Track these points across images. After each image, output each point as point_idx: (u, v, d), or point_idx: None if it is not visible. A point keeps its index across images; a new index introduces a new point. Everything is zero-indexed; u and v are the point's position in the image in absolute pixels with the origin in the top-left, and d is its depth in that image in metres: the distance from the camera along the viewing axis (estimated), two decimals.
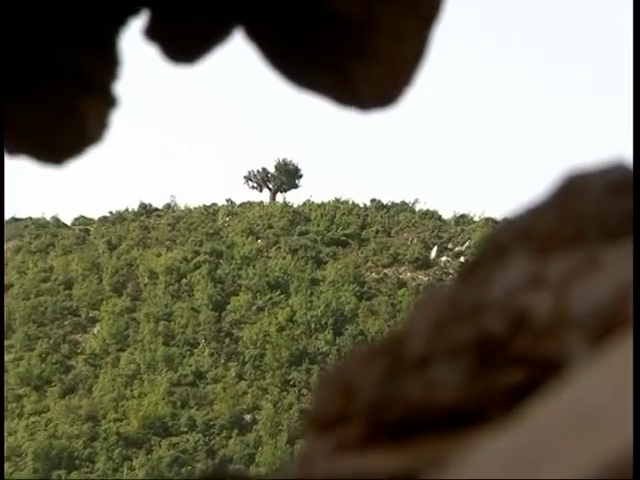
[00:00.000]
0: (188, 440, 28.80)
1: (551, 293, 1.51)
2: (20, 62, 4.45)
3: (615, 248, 1.60)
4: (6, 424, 30.24)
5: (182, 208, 36.16)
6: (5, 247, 35.28)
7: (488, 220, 33.00)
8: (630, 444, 0.70)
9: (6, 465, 30.70)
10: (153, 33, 4.27)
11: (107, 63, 4.47)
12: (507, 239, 1.86)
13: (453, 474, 0.80)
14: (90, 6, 4.37)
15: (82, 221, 36.69)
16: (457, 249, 32.34)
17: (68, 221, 36.89)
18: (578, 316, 1.45)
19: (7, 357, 32.14)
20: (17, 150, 4.43)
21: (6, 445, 29.85)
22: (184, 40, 4.34)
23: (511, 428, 0.82)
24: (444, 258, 32.26)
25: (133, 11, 4.40)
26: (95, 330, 31.55)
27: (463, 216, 34.48)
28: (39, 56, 4.44)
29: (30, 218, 36.78)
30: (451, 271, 30.71)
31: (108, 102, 4.42)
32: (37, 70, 4.46)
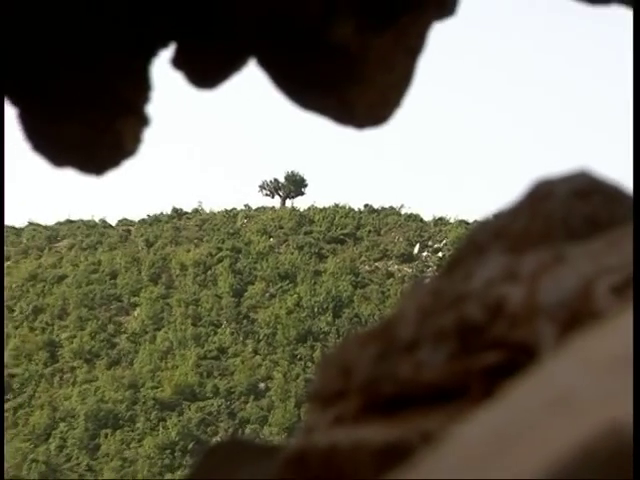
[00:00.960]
0: (212, 404, 28.68)
1: (523, 285, 1.40)
2: (66, 86, 4.24)
3: (579, 246, 1.48)
4: (63, 391, 29.78)
5: (207, 212, 35.84)
6: (61, 244, 34.76)
7: (461, 222, 32.68)
8: (608, 428, 0.58)
9: (61, 425, 30.32)
10: (179, 63, 4.23)
11: (140, 88, 4.35)
12: (484, 238, 1.74)
13: (442, 448, 0.69)
14: (127, 40, 4.23)
15: (125, 222, 36.44)
16: (436, 246, 32.08)
17: (113, 222, 36.57)
18: (547, 305, 1.34)
19: (63, 335, 32.02)
20: (64, 163, 4.36)
21: (62, 408, 29.33)
22: (205, 69, 4.27)
23: (492, 407, 0.73)
24: (425, 253, 32.00)
25: (162, 44, 4.27)
26: (135, 313, 31.40)
27: (441, 219, 34.03)
28: (84, 81, 4.24)
29: (82, 220, 36.48)
30: (431, 264, 30.54)
31: (141, 121, 4.36)
32: (81, 93, 4.27)
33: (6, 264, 33.59)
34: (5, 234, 33.15)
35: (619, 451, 0.59)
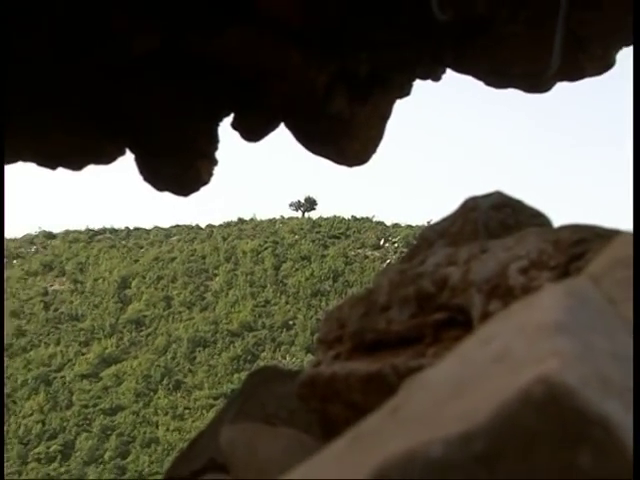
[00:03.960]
0: (262, 333, 28.75)
1: (460, 268, 1.33)
2: (165, 140, 4.16)
3: (496, 242, 1.41)
4: (174, 325, 28.72)
5: (258, 219, 36.40)
6: (173, 239, 33.93)
7: (409, 225, 33.69)
8: (540, 378, 0.50)
9: (173, 345, 28.24)
10: (236, 125, 4.16)
11: (211, 141, 4.29)
12: (432, 236, 1.70)
13: (412, 394, 0.62)
14: (204, 111, 4.11)
15: (209, 226, 36.44)
16: (393, 240, 33.01)
17: (203, 226, 36.67)
18: (476, 281, 1.28)
19: (174, 292, 30.51)
20: (163, 188, 4.38)
21: (173, 335, 28.27)
22: (252, 129, 4.20)
23: (449, 360, 0.64)
24: (387, 245, 32.78)
25: (225, 114, 4.19)
26: (216, 279, 31.36)
27: (396, 224, 34.77)
28: (176, 137, 4.17)
29: (185, 224, 36.39)
30: (390, 251, 31.23)
31: (212, 162, 4.33)
32: (175, 145, 4.20)
33: (142, 250, 33.25)
34: (154, 234, 32.89)
35: (551, 396, 0.50)
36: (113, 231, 35.92)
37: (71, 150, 4.00)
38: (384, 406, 0.61)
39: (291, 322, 29.62)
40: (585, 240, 1.25)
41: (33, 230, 35.32)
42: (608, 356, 0.57)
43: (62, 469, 23.47)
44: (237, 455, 1.34)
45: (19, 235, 34.48)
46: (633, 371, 0.56)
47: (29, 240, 34.34)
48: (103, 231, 35.82)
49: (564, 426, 0.50)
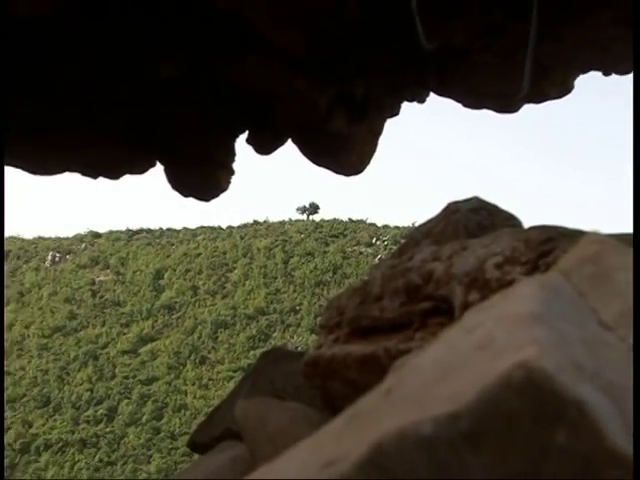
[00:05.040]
0: (273, 316, 28.32)
1: (443, 263, 1.31)
2: (188, 153, 4.10)
3: (475, 240, 1.39)
4: (200, 310, 28.07)
5: (270, 221, 36.15)
6: (199, 237, 33.28)
7: (396, 226, 33.55)
8: (520, 363, 0.47)
9: (199, 326, 27.49)
10: (250, 141, 4.10)
11: (229, 154, 4.22)
12: (419, 236, 1.67)
13: (404, 377, 0.58)
14: (223, 129, 4.04)
15: (229, 227, 35.98)
16: (383, 238, 32.79)
17: (224, 227, 36.44)
18: (457, 275, 1.25)
19: (200, 282, 29.72)
20: (187, 195, 4.29)
21: (199, 318, 27.65)
22: (264, 144, 4.14)
23: (435, 346, 0.61)
24: (378, 242, 32.50)
25: (241, 131, 4.14)
26: (234, 271, 31.12)
27: (386, 225, 34.62)
28: (198, 151, 4.10)
29: (209, 226, 35.98)
30: (381, 248, 31.07)
31: (230, 172, 4.27)
32: (197, 157, 4.13)
33: (173, 247, 32.84)
34: (182, 233, 32.74)
35: (530, 381, 0.48)
36: (149, 231, 36.11)
37: (109, 162, 3.99)
38: (378, 388, 0.59)
39: (298, 307, 29.58)
40: (552, 239, 1.22)
41: (82, 230, 35.37)
42: (580, 344, 0.54)
43: (107, 429, 23.65)
44: (250, 425, 1.31)
45: (71, 234, 34.61)
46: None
47: (79, 239, 34.49)
48: (140, 231, 35.99)
49: (542, 407, 0.47)
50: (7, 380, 23.99)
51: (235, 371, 25.62)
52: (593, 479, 0.46)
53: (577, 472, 0.46)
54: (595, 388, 0.49)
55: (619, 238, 0.72)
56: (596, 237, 0.71)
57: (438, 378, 0.53)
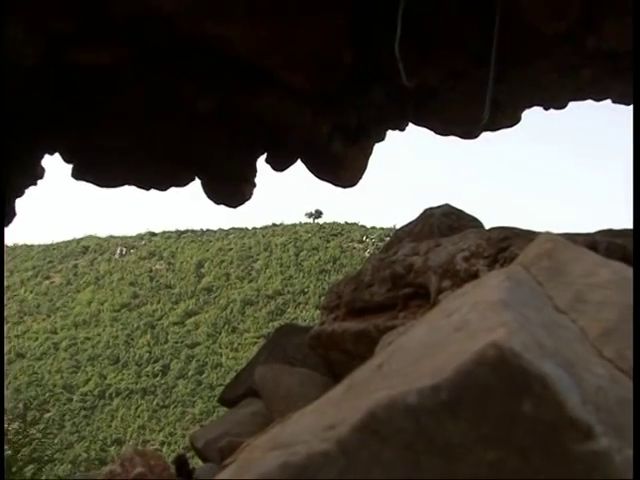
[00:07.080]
0: (285, 298, 28.02)
1: (421, 257, 1.31)
2: (220, 171, 4.00)
3: (446, 239, 1.36)
4: (230, 292, 27.50)
5: (285, 224, 35.93)
6: (231, 236, 33.18)
7: (382, 228, 33.12)
8: (492, 343, 0.44)
9: (229, 306, 26.95)
10: (268, 160, 4.03)
11: (252, 170, 4.14)
12: (402, 234, 1.66)
13: (393, 353, 0.54)
14: (246, 154, 3.98)
15: (254, 228, 35.88)
16: (371, 237, 32.47)
17: (249, 228, 36.15)
18: (432, 266, 1.25)
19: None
20: (220, 203, 4.15)
21: (231, 298, 27.15)
22: (279, 163, 4.05)
23: (419, 327, 0.58)
24: (367, 240, 32.23)
25: (261, 153, 4.05)
26: (256, 263, 30.85)
27: (374, 226, 34.30)
28: (228, 169, 4.01)
29: (236, 227, 35.52)
30: (370, 245, 30.68)
31: (252, 185, 4.19)
32: (226, 174, 4.03)
33: (210, 243, 32.34)
34: (218, 233, 32.56)
35: (501, 358, 0.45)
36: (193, 231, 36.40)
37: (158, 177, 3.96)
38: (371, 362, 0.56)
39: (306, 290, 29.56)
40: (508, 237, 1.22)
41: (142, 230, 35.62)
42: (540, 326, 0.52)
43: (162, 381, 23.93)
44: (266, 386, 1.28)
45: (134, 234, 34.94)
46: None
47: (140, 237, 34.82)
48: (186, 231, 36.29)
49: (511, 381, 0.45)
50: (87, 343, 24.06)
51: (258, 338, 25.69)
52: (555, 442, 0.43)
53: (542, 436, 0.44)
54: (556, 364, 0.46)
55: (569, 237, 0.66)
56: (550, 236, 0.67)
57: (422, 355, 0.51)
